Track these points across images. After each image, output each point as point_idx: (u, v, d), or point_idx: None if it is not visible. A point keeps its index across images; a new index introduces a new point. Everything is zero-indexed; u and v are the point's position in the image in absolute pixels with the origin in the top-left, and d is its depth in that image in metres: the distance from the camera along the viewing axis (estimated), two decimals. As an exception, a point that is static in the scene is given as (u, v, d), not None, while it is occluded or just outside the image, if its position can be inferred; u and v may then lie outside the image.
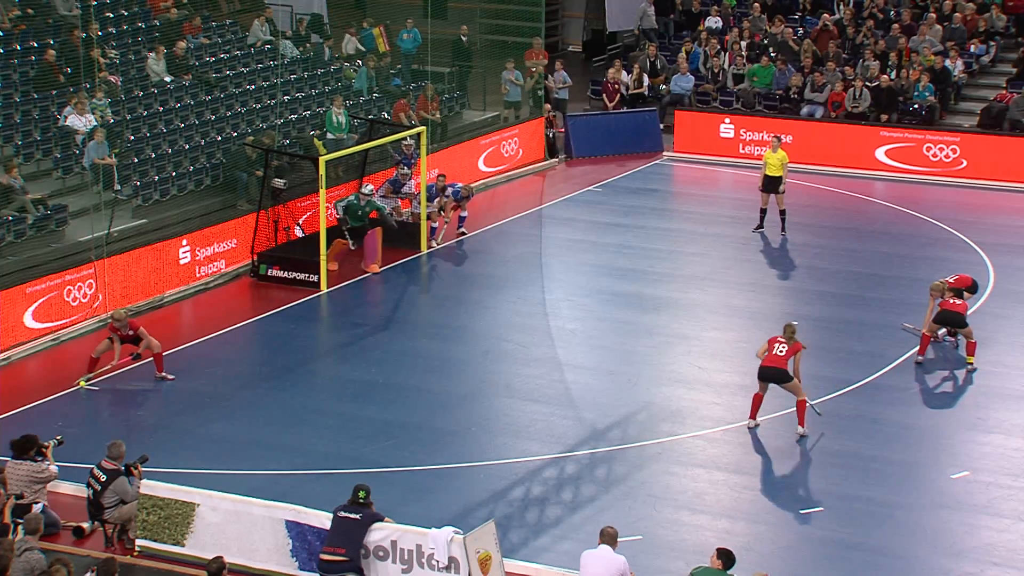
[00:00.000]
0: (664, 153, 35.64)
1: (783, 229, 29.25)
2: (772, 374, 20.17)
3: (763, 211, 29.36)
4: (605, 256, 28.06)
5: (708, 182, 33.91)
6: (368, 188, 27.38)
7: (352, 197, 27.20)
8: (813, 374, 22.16)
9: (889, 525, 17.86)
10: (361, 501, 15.92)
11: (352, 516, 15.78)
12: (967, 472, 19.24)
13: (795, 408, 20.34)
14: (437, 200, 28.47)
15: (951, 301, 22.62)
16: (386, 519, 15.98)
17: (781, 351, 20.15)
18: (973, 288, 23.78)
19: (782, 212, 29.21)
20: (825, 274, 27.28)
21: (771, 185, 29.08)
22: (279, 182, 27.32)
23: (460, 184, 29.05)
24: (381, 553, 15.93)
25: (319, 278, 26.07)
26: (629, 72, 37.46)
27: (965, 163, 33.54)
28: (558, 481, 19.02)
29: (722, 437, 20.33)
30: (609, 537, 15.01)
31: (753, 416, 20.51)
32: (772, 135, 30.39)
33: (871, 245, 28.20)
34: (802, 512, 18.18)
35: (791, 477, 19.40)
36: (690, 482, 19.02)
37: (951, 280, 23.37)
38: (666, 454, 19.81)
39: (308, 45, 33.55)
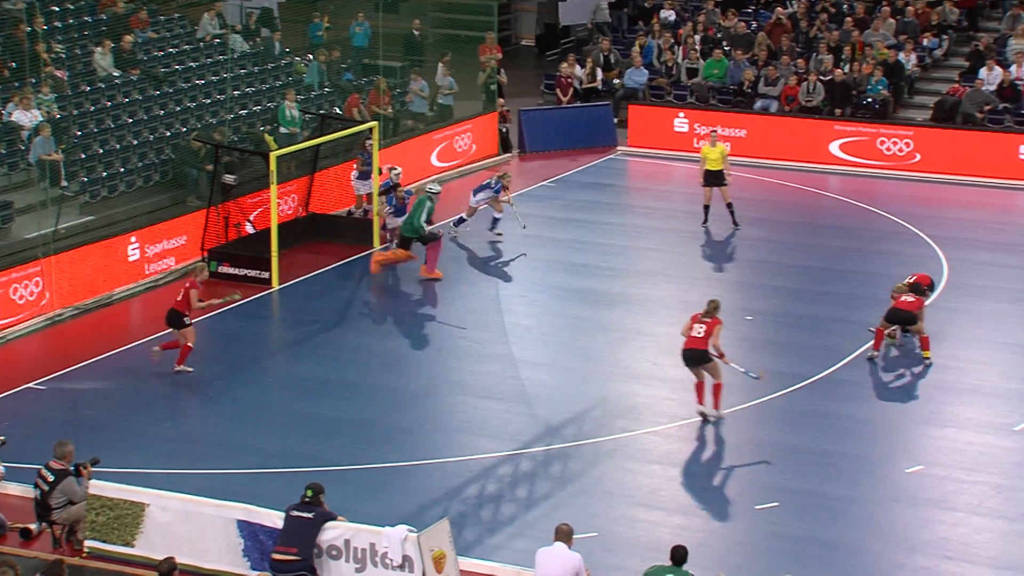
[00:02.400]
0: (618, 148, 35.57)
1: (734, 222, 29.25)
2: (691, 356, 20.19)
3: (707, 207, 29.38)
4: (559, 251, 27.97)
5: (662, 177, 33.86)
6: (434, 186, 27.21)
7: (428, 201, 26.43)
8: (768, 369, 22.16)
9: (844, 520, 17.86)
10: (311, 499, 15.75)
11: (304, 515, 15.64)
12: (921, 466, 19.26)
13: (713, 392, 20.28)
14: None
15: (904, 299, 22.55)
16: (339, 517, 15.81)
17: (700, 332, 20.13)
18: (931, 287, 23.79)
19: (729, 205, 29.22)
20: (780, 268, 27.28)
21: (713, 179, 29.09)
22: (229, 178, 27.10)
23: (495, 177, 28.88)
24: (334, 552, 15.82)
25: (270, 274, 25.86)
26: (582, 66, 37.39)
27: (919, 157, 33.63)
28: (513, 478, 18.96)
29: (677, 433, 20.29)
30: (564, 534, 14.91)
31: (700, 401, 20.44)
32: (710, 130, 30.28)
33: (825, 240, 28.21)
34: (757, 508, 18.15)
35: (746, 473, 19.37)
36: (645, 478, 18.97)
37: (910, 280, 23.30)
38: (621, 450, 19.75)
39: (258, 39, 33.28)
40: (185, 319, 21.87)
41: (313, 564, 15.63)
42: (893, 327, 22.95)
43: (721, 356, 20.13)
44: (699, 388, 20.43)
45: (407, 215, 26.64)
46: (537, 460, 19.45)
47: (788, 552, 17.09)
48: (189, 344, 21.93)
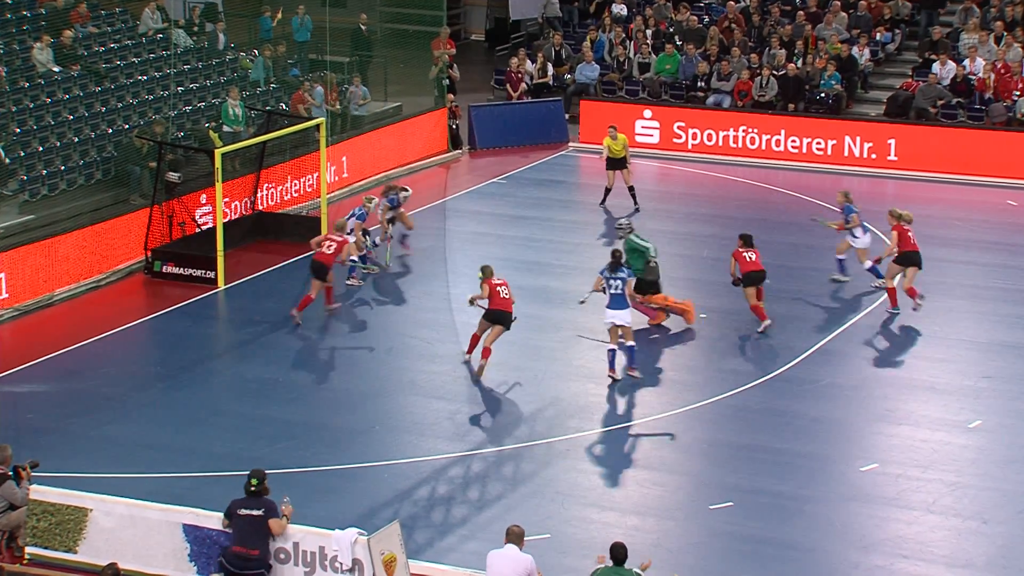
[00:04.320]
0: (569, 144, 35.40)
1: (635, 204, 30.19)
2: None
3: (608, 189, 30.36)
4: (510, 249, 27.75)
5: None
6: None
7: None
8: (721, 367, 22.08)
9: (798, 519, 17.78)
10: (256, 488, 15.51)
11: (254, 513, 15.43)
12: (876, 464, 19.22)
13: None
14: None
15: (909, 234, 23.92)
16: (284, 508, 15.49)
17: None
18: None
19: (631, 188, 30.11)
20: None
21: (616, 164, 30.33)
22: (173, 176, 26.79)
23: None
24: (283, 556, 15.68)
25: (216, 274, 25.54)
26: (533, 61, 37.19)
27: (873, 152, 33.60)
28: (464, 480, 18.80)
29: (630, 433, 20.10)
30: (515, 536, 14.78)
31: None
32: (609, 126, 30.71)
33: (778, 236, 28.08)
34: (711, 507, 18.03)
35: (700, 472, 19.23)
36: (598, 479, 18.85)
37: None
38: (574, 451, 19.59)
39: (203, 35, 32.90)
40: (328, 271, 22.74)
41: (270, 562, 15.51)
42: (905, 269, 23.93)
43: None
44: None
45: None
46: (489, 461, 19.29)
47: (743, 552, 17.00)
48: (312, 296, 23.07)
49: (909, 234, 24.04)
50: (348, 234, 25.05)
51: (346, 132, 32.51)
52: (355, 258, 25.44)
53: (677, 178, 33.48)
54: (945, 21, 37.79)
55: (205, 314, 24.78)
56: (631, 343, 21.70)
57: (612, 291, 21.56)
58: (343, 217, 25.57)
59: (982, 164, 32.63)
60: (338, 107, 32.44)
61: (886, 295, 24.25)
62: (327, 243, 23.92)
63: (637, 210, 29.88)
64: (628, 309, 21.61)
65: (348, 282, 25.88)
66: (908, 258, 23.92)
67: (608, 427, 20.28)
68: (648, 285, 23.64)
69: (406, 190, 27.58)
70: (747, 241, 23.81)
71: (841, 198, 25.51)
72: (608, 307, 21.59)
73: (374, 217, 26.75)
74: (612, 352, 21.62)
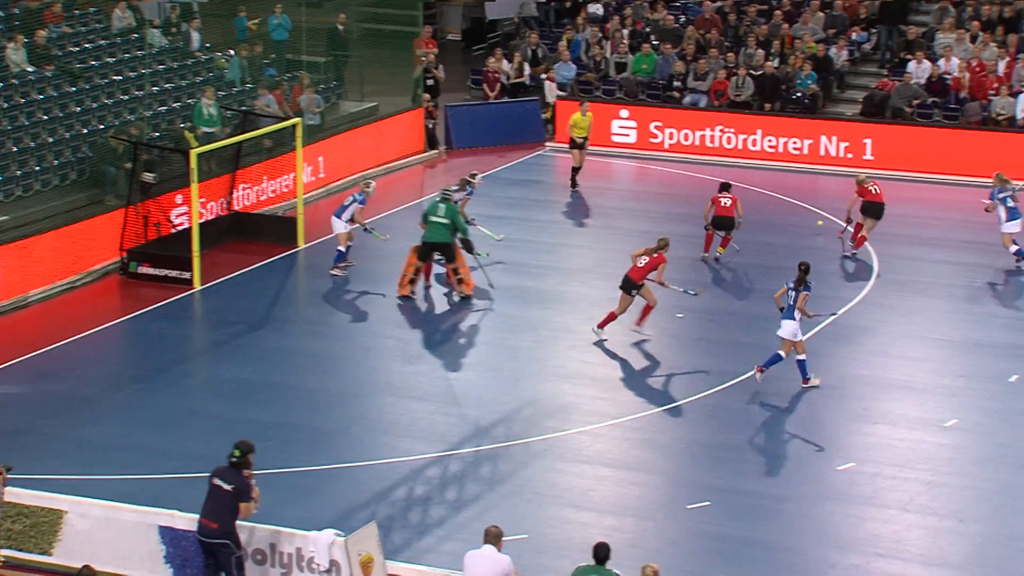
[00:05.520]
0: (546, 143, 35.37)
1: (573, 187, 31.53)
2: (627, 282, 22.67)
3: (576, 168, 31.47)
4: (487, 249, 27.68)
5: (591, 173, 33.59)
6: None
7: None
8: (699, 367, 22.11)
9: (775, 518, 17.80)
10: (238, 459, 15.44)
11: (224, 486, 15.35)
12: (853, 463, 19.24)
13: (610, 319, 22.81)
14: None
15: (872, 191, 26.51)
16: (253, 494, 15.44)
17: (642, 263, 22.61)
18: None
19: (577, 169, 31.54)
20: (709, 265, 27.15)
21: (580, 145, 31.40)
22: (149, 176, 26.66)
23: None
24: (260, 557, 15.63)
25: (192, 275, 25.44)
26: (510, 61, 37.15)
27: (849, 152, 33.66)
28: (442, 480, 18.76)
29: (608, 433, 20.14)
30: (493, 536, 14.73)
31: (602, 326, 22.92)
32: (581, 100, 32.22)
33: (756, 235, 28.07)
34: (689, 507, 18.02)
35: (677, 472, 19.24)
36: (576, 479, 18.80)
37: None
38: (551, 451, 19.57)
39: (178, 34, 32.74)
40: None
41: (236, 534, 15.35)
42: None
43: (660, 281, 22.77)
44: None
45: (443, 222, 24.73)
46: (466, 461, 19.25)
47: (720, 551, 16.99)
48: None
49: (871, 189, 26.73)
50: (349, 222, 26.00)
51: (323, 132, 32.38)
52: (342, 249, 25.90)
53: (654, 178, 33.50)
54: (920, 21, 37.88)
55: (181, 315, 24.68)
56: (801, 356, 21.26)
57: (788, 303, 21.18)
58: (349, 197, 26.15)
59: (958, 163, 32.72)
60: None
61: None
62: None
63: (575, 189, 31.29)
64: (794, 322, 21.07)
65: (332, 272, 25.92)
66: (869, 209, 26.73)
67: (585, 427, 20.24)
68: (427, 250, 24.82)
69: (370, 183, 27.52)
70: (725, 187, 26.25)
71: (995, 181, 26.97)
72: (783, 318, 21.28)
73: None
74: (801, 362, 21.26)
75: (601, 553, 14.33)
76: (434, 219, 24.83)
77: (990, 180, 27.75)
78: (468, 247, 25.14)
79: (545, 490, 18.47)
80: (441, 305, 25.06)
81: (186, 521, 15.79)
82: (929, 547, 17.13)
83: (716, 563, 16.68)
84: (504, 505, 17.97)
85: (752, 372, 21.51)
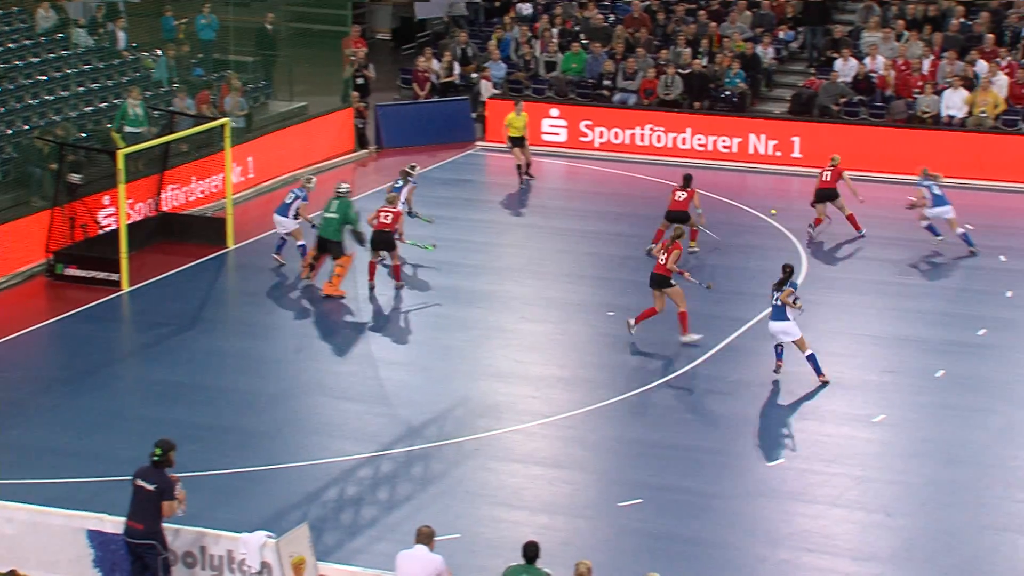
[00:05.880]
0: (477, 143, 35.36)
1: (524, 177, 32.01)
2: (654, 280, 22.69)
3: (519, 166, 31.84)
4: (418, 249, 27.62)
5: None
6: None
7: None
8: (630, 364, 22.17)
9: (707, 515, 17.87)
10: (160, 458, 15.34)
11: (147, 486, 15.26)
12: (783, 460, 19.38)
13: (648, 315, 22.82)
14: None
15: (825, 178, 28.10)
16: (176, 493, 15.32)
17: (663, 259, 22.68)
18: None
19: (520, 166, 31.85)
20: (641, 263, 27.20)
21: (518, 142, 31.81)
22: (75, 177, 26.41)
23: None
24: (190, 559, 15.54)
25: (120, 277, 25.23)
26: (439, 60, 37.10)
27: (777, 150, 33.88)
28: (373, 480, 18.72)
29: (540, 431, 20.16)
30: (424, 536, 14.71)
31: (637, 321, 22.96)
32: (516, 100, 32.64)
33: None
34: (620, 504, 18.08)
35: (609, 470, 19.29)
36: (508, 478, 18.81)
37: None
38: (483, 450, 19.56)
39: (103, 33, 32.45)
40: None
41: (162, 534, 15.26)
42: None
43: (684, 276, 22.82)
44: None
45: (333, 216, 25.03)
46: (398, 461, 19.20)
47: (652, 548, 17.05)
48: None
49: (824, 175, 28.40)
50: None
51: (252, 132, 32.21)
52: (302, 243, 26.15)
53: (585, 176, 33.57)
54: (846, 20, 38.20)
55: (109, 317, 24.46)
56: (809, 353, 21.52)
57: (773, 303, 21.51)
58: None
59: (884, 161, 33.02)
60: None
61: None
62: (383, 214, 24.92)
63: (530, 179, 31.77)
64: (790, 322, 21.43)
65: (274, 255, 26.36)
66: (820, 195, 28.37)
67: (517, 426, 20.25)
68: (325, 245, 25.04)
69: (311, 179, 27.45)
70: (685, 181, 26.73)
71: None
72: (770, 319, 21.65)
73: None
74: (810, 357, 21.54)
75: (530, 552, 14.33)
76: (326, 215, 25.23)
77: (916, 177, 28.14)
78: (359, 240, 25.39)
79: (477, 489, 18.46)
80: (374, 305, 24.99)
81: (115, 525, 15.64)
82: (858, 541, 17.28)
83: (648, 560, 16.69)
84: (436, 505, 17.94)
85: (677, 372, 21.66)
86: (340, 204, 25.24)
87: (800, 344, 21.54)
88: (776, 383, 21.79)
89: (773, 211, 29.69)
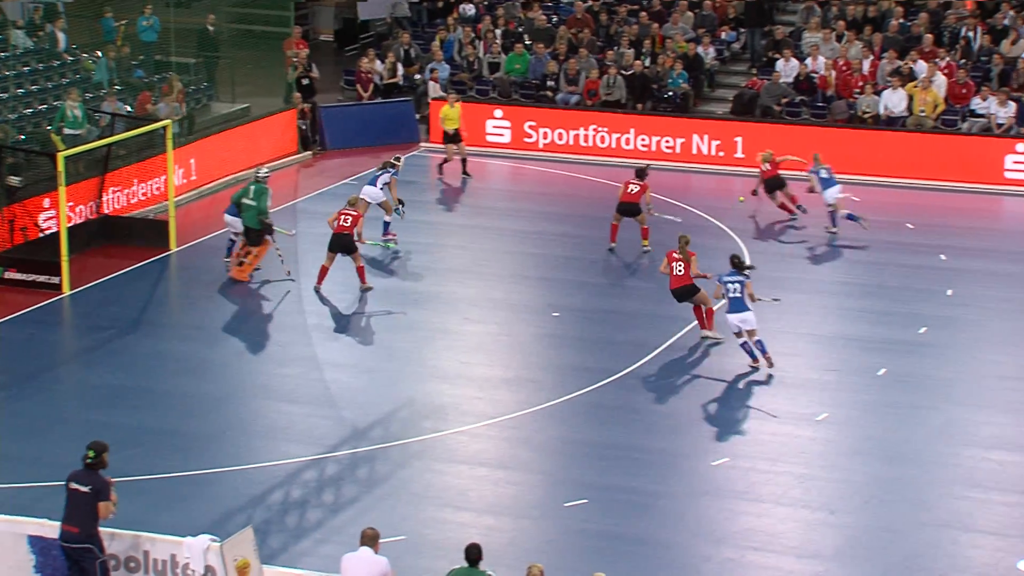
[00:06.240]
0: (420, 144, 35.30)
1: (465, 172, 32.49)
2: (681, 293, 22.87)
3: (446, 160, 32.43)
4: (361, 250, 27.53)
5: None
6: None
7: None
8: (575, 365, 22.19)
9: (652, 514, 17.92)
10: (93, 460, 15.23)
11: (82, 489, 15.17)
12: (727, 459, 19.43)
13: (702, 317, 23.11)
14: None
15: (771, 166, 29.10)
16: (112, 496, 15.22)
17: (680, 270, 22.76)
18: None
19: (464, 160, 32.39)
20: (584, 264, 27.32)
21: (453, 138, 32.32)
22: (14, 180, 26.18)
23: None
24: (133, 564, 15.40)
25: (61, 280, 25.01)
26: (383, 61, 37.01)
27: (720, 150, 34.01)
28: (318, 483, 18.64)
29: (485, 432, 20.14)
30: (369, 539, 14.67)
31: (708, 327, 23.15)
32: (448, 92, 33.55)
33: (630, 234, 28.24)
34: (566, 505, 18.08)
35: (554, 470, 19.29)
36: (453, 479, 18.78)
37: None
38: (429, 451, 19.52)
39: (42, 35, 32.16)
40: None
41: (98, 537, 15.16)
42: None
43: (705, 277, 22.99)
44: (702, 314, 23.02)
45: (250, 205, 25.51)
46: (343, 464, 19.14)
47: (598, 548, 17.06)
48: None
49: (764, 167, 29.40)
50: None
51: (194, 133, 32.00)
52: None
53: (529, 177, 33.58)
54: (788, 20, 38.43)
55: (50, 321, 24.24)
56: (757, 339, 22.06)
57: (731, 295, 21.89)
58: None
59: (826, 161, 33.08)
60: (184, 109, 31.90)
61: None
62: (343, 217, 24.75)
63: (466, 177, 32.37)
64: (750, 312, 21.87)
65: (226, 259, 26.40)
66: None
67: (462, 427, 20.22)
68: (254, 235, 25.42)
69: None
70: (638, 174, 27.34)
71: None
72: (728, 312, 21.92)
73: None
74: (759, 343, 22.07)
75: (473, 554, 14.32)
76: (245, 201, 25.48)
77: (853, 175, 28.61)
78: (268, 229, 25.63)
79: (422, 491, 18.42)
80: (318, 307, 24.89)
81: (56, 530, 15.44)
82: (802, 539, 17.37)
83: (594, 560, 16.69)
84: (381, 507, 17.89)
85: (622, 372, 21.76)
86: (256, 190, 25.46)
87: (753, 333, 21.96)
88: (718, 382, 21.89)
89: (741, 199, 30.35)
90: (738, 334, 22.10)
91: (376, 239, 26.74)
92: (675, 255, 22.98)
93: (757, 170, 29.93)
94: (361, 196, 27.12)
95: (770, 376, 21.86)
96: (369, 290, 25.18)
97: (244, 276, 25.60)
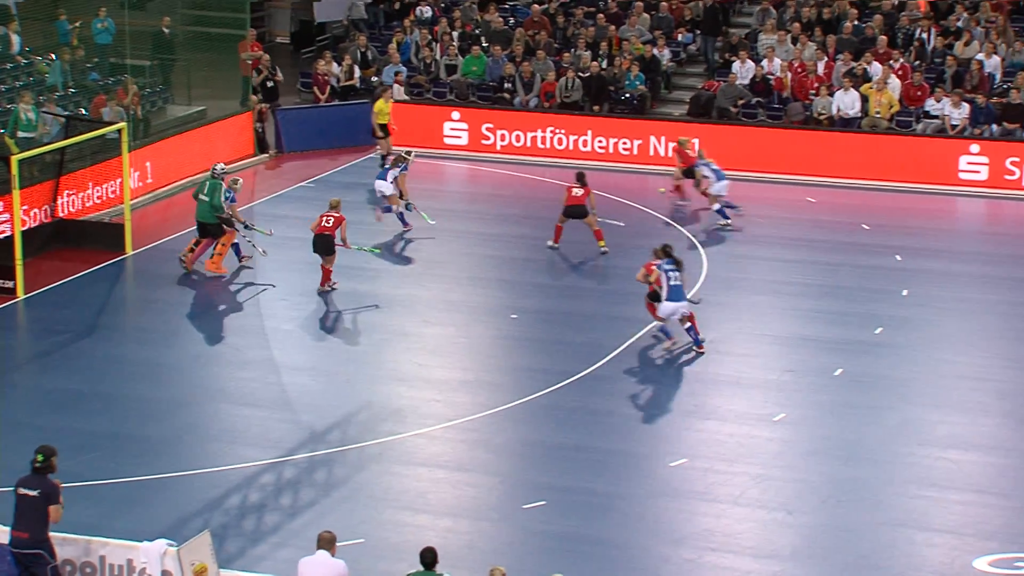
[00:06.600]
0: (377, 147, 35.17)
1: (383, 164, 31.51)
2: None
3: (385, 155, 31.70)
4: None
5: (423, 175, 33.58)
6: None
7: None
8: (533, 367, 22.20)
9: (610, 515, 17.94)
10: (42, 464, 15.13)
11: (30, 493, 15.05)
12: (684, 459, 19.46)
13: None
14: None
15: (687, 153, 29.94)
16: (60, 499, 15.08)
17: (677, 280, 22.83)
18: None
19: (388, 154, 31.71)
20: (542, 266, 27.34)
21: (385, 130, 32.96)
22: (-31, 182, 25.98)
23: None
24: (89, 569, 15.31)
25: (15, 284, 24.84)
26: (339, 64, 36.94)
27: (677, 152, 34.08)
28: (276, 486, 18.57)
29: (443, 435, 20.11)
30: (326, 542, 14.64)
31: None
32: (384, 88, 33.94)
33: (587, 235, 28.31)
34: (525, 507, 18.08)
35: (513, 472, 19.29)
36: (412, 482, 18.75)
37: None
38: (387, 454, 19.48)
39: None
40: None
41: (49, 542, 15.03)
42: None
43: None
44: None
45: (204, 200, 25.86)
46: (301, 467, 19.07)
47: (556, 550, 17.06)
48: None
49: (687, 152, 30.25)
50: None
51: (149, 136, 31.84)
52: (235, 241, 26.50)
53: (486, 179, 33.60)
54: (743, 22, 38.59)
55: (4, 325, 24.04)
56: (690, 324, 22.64)
57: (672, 283, 22.40)
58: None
59: (782, 162, 33.40)
60: (139, 111, 31.70)
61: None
62: (324, 219, 25.08)
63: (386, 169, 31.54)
64: (686, 301, 22.62)
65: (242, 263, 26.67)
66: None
67: (420, 429, 20.19)
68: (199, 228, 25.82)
69: (237, 180, 27.46)
70: (579, 178, 27.40)
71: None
72: (668, 299, 22.38)
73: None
74: (663, 327, 22.82)
75: (428, 558, 14.30)
76: (200, 196, 25.88)
77: (809, 176, 28.80)
78: (228, 223, 25.95)
79: (381, 494, 18.39)
80: (275, 309, 24.81)
81: (6, 535, 15.32)
82: (759, 540, 17.41)
83: (553, 562, 16.69)
84: (340, 510, 17.84)
85: (580, 374, 21.76)
86: (211, 185, 25.83)
87: (690, 318, 22.60)
88: (679, 383, 21.95)
89: (661, 189, 31.00)
90: (681, 320, 22.51)
91: (362, 244, 26.56)
92: (652, 265, 23.08)
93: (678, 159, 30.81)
94: (376, 188, 28.59)
95: (730, 376, 21.94)
96: (325, 292, 25.13)
97: (220, 268, 25.84)
